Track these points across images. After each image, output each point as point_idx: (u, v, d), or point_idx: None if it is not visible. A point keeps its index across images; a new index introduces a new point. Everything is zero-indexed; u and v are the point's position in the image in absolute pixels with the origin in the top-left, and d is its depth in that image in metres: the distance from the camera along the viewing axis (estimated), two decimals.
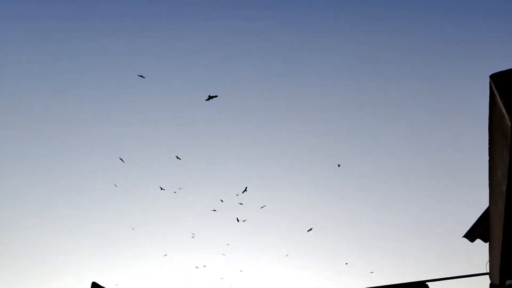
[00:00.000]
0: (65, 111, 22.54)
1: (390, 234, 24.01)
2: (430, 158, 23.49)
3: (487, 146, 4.66)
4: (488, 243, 5.93)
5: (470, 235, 5.86)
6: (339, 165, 12.36)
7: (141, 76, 11.06)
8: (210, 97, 8.97)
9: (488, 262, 6.09)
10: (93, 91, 23.00)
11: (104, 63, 23.30)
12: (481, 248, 6.07)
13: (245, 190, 10.67)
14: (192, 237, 13.52)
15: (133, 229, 14.26)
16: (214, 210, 12.78)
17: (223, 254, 13.65)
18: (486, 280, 6.23)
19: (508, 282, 4.12)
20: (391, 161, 24.39)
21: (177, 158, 10.75)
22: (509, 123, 3.49)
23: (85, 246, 22.35)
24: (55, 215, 23.04)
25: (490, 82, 3.85)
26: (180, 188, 12.88)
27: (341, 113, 23.94)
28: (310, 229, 11.27)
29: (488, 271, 6.16)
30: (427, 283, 5.71)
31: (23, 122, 22.59)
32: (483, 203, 5.68)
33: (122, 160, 12.07)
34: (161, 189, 11.39)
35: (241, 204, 12.05)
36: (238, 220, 11.80)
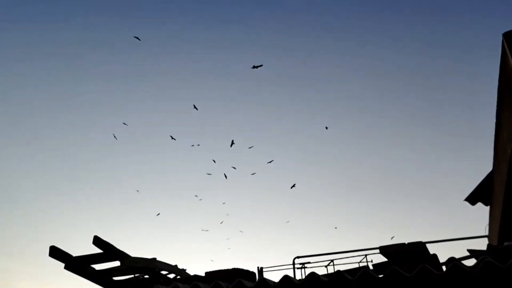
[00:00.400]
0: (74, 65, 22.38)
1: (391, 196, 24.31)
2: (434, 121, 23.37)
3: (495, 109, 4.58)
4: (488, 206, 5.97)
5: (472, 199, 5.89)
6: (326, 127, 12.36)
7: (137, 38, 10.98)
8: (255, 67, 9.24)
9: (488, 225, 6.16)
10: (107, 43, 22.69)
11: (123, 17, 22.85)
12: (481, 211, 6.13)
13: (232, 143, 10.72)
14: (200, 200, 13.69)
15: (138, 191, 14.39)
16: (209, 174, 12.92)
17: (227, 214, 13.88)
18: (485, 243, 6.33)
19: (506, 243, 4.17)
20: (393, 123, 24.30)
21: (194, 107, 10.65)
22: None
23: (89, 201, 22.88)
24: (59, 168, 23.40)
25: (502, 41, 3.73)
26: (198, 145, 12.85)
27: (344, 71, 23.60)
28: (293, 186, 11.34)
29: (487, 233, 6.25)
30: (426, 244, 5.80)
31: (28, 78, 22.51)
32: (486, 168, 5.67)
33: (115, 137, 12.03)
34: (172, 138, 11.33)
35: (234, 168, 12.19)
36: (226, 177, 11.90)
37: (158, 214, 12.72)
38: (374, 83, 23.13)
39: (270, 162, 11.78)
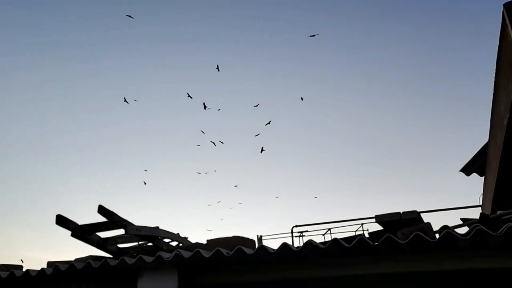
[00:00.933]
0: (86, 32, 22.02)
1: (388, 167, 24.52)
2: (431, 92, 23.24)
3: (493, 80, 4.60)
4: (483, 177, 6.08)
5: (467, 169, 5.98)
6: (302, 98, 12.07)
7: (129, 16, 10.85)
8: (312, 36, 9.89)
9: (482, 195, 6.29)
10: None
11: None
12: (476, 182, 6.24)
13: (205, 106, 10.70)
14: (205, 173, 13.68)
15: (146, 170, 14.16)
16: (198, 145, 12.89)
17: (235, 186, 13.95)
18: (478, 212, 6.48)
19: (499, 212, 4.28)
20: (390, 90, 24.17)
21: (217, 68, 10.51)
22: None
23: (95, 173, 23.11)
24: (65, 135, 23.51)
25: (503, 12, 3.70)
26: (219, 109, 12.45)
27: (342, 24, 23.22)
28: (262, 149, 11.24)
29: (480, 203, 6.39)
30: (420, 214, 5.93)
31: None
32: (482, 139, 5.74)
33: (125, 100, 11.77)
34: (188, 96, 11.15)
35: (220, 143, 12.12)
36: (214, 144, 11.89)
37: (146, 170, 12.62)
38: (371, 47, 22.85)
39: (268, 123, 11.64)
